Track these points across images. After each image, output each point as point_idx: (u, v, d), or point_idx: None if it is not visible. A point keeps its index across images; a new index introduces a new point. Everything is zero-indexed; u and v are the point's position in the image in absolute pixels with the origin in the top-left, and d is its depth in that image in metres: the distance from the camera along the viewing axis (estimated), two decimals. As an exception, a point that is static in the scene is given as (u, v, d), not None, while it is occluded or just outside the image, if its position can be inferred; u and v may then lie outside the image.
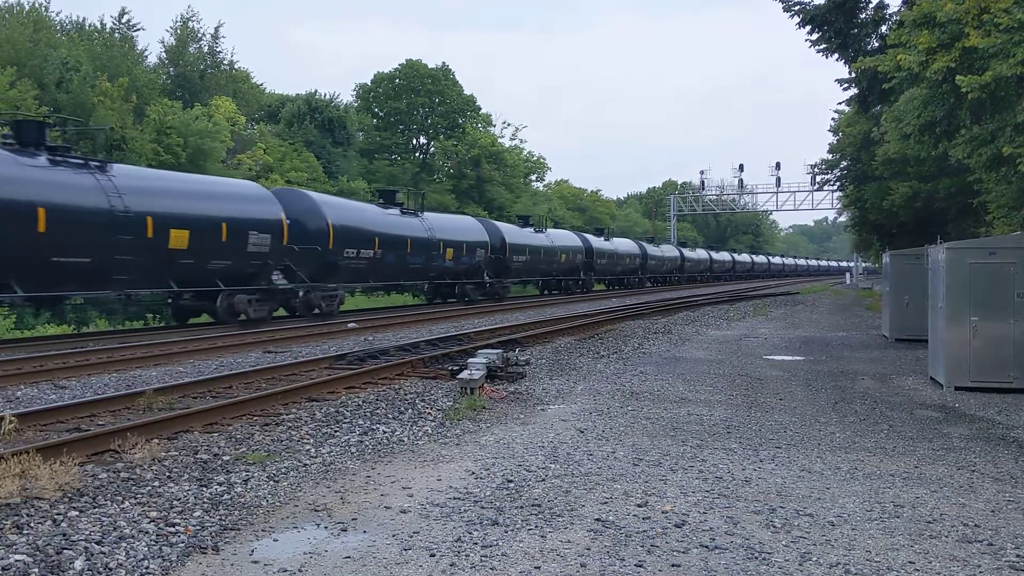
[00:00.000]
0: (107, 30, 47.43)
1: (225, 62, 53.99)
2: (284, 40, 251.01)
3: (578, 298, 41.16)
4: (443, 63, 68.36)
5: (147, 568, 4.81)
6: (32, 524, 5.45)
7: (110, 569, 4.78)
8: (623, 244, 55.69)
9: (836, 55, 18.18)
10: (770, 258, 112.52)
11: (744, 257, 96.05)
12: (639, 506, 6.15)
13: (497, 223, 39.43)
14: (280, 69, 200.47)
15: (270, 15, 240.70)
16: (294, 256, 23.22)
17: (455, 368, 12.49)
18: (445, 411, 9.84)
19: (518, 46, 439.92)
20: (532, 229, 41.49)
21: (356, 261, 25.77)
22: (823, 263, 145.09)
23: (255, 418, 9.31)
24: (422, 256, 29.78)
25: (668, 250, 66.51)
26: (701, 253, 76.61)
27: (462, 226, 34.38)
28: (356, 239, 25.69)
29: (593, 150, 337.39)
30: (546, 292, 44.53)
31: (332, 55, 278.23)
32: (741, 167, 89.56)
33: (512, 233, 38.34)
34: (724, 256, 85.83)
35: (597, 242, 49.10)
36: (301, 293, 23.41)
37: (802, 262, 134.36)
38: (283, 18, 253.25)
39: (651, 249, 60.21)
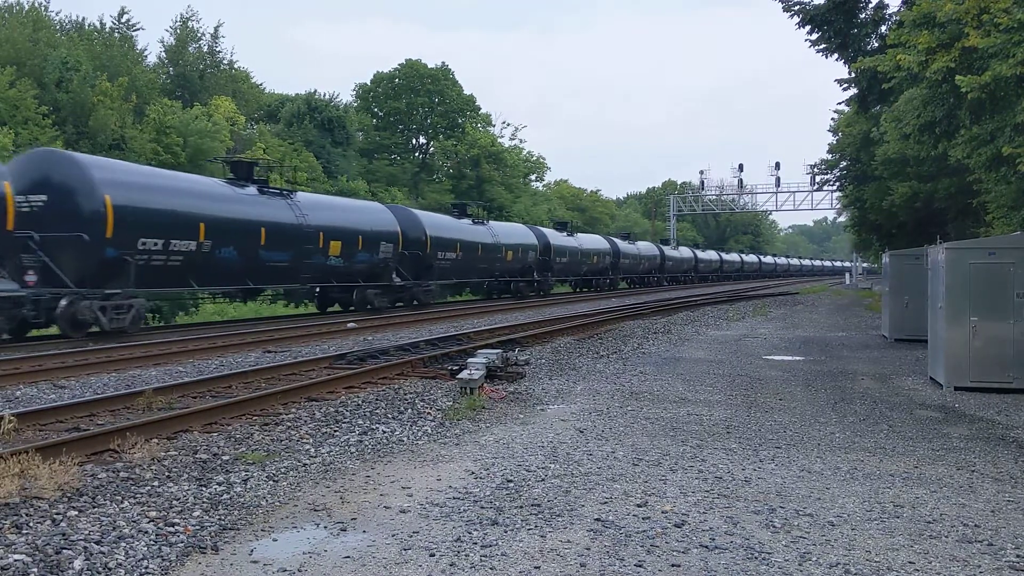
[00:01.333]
0: (107, 30, 47.43)
1: (225, 62, 54.01)
2: (284, 40, 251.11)
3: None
4: (443, 63, 68.44)
5: (146, 568, 4.81)
6: (31, 524, 5.44)
7: (109, 569, 4.77)
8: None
9: (836, 55, 18.19)
10: (761, 258, 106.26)
11: (733, 256, 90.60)
12: (639, 506, 6.14)
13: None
14: (280, 69, 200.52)
15: (270, 15, 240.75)
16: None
17: (455, 368, 12.48)
18: (445, 411, 9.84)
19: (519, 46, 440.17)
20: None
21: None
22: (822, 263, 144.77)
23: (254, 418, 9.30)
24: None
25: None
26: (685, 251, 73.40)
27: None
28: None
29: (593, 150, 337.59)
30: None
31: (332, 55, 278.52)
32: (741, 167, 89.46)
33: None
34: (711, 255, 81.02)
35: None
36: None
37: (797, 262, 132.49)
38: (283, 18, 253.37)
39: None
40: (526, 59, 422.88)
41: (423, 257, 29.89)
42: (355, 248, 25.56)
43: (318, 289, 25.85)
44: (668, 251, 64.67)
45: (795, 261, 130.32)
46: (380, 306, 27.28)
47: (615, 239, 54.48)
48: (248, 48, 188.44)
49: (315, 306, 27.97)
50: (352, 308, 26.73)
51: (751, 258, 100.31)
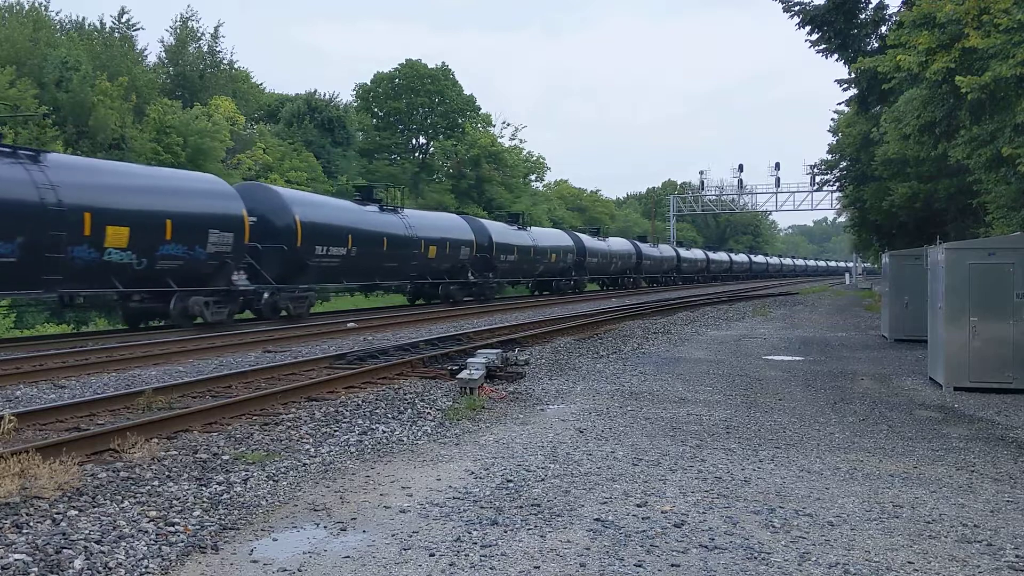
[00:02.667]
0: (107, 29, 47.41)
1: (225, 62, 53.97)
2: (286, 40, 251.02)
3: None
4: (443, 63, 68.43)
5: (146, 567, 4.81)
6: (32, 523, 5.45)
7: (109, 568, 4.78)
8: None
9: (836, 55, 18.17)
10: (751, 257, 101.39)
11: (721, 256, 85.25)
12: (638, 506, 6.15)
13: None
14: (282, 69, 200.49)
15: (272, 16, 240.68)
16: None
17: (454, 368, 12.48)
18: (444, 411, 9.84)
19: (521, 47, 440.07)
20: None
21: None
22: (823, 264, 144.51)
23: (254, 418, 9.31)
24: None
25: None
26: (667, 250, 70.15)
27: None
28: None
29: (593, 150, 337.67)
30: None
31: (335, 56, 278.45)
32: (741, 167, 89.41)
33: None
34: (696, 254, 75.38)
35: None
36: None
37: (791, 261, 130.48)
38: (285, 19, 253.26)
39: (646, 249, 63.66)
40: (527, 60, 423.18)
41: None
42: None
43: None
44: (646, 249, 59.22)
45: (788, 261, 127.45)
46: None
47: (580, 234, 49.78)
48: (250, 49, 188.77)
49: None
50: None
51: (740, 257, 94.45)
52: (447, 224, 33.67)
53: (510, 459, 7.54)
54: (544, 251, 41.44)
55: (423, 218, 31.75)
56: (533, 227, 43.15)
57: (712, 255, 77.32)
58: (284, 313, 23.07)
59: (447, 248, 31.80)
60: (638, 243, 56.21)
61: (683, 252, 65.34)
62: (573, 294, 45.13)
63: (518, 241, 39.26)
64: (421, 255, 29.83)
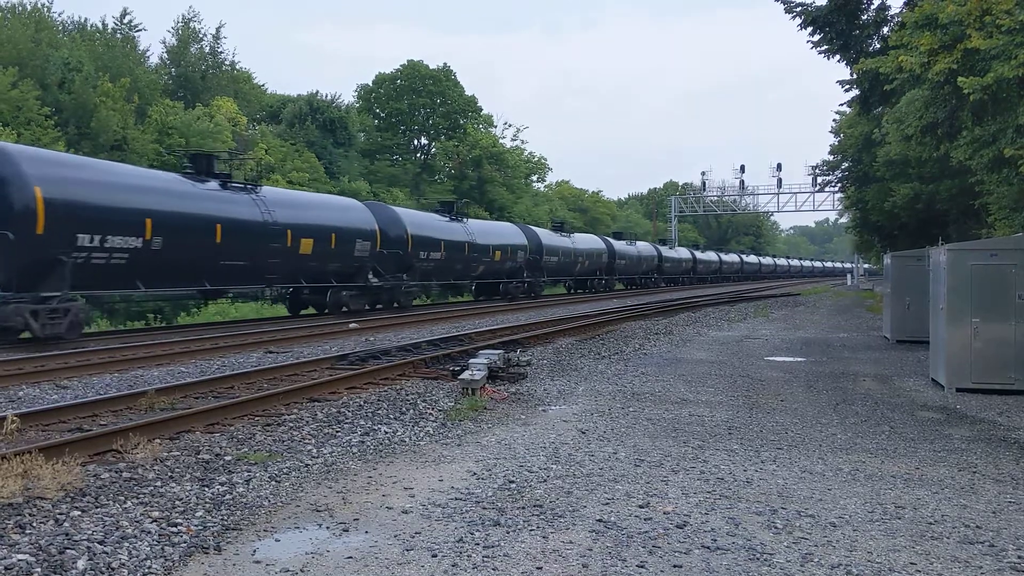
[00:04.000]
0: (109, 30, 47.44)
1: (226, 63, 54.03)
2: (288, 42, 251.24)
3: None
4: (444, 63, 68.49)
5: (149, 568, 4.82)
6: (35, 524, 5.46)
7: (112, 569, 4.78)
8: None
9: (837, 56, 18.16)
10: (743, 257, 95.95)
11: (709, 256, 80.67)
12: (641, 507, 6.15)
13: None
14: (283, 71, 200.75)
15: (274, 17, 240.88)
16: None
17: (456, 368, 12.49)
18: (447, 411, 9.85)
19: (522, 48, 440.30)
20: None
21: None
22: (823, 264, 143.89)
23: (257, 418, 9.32)
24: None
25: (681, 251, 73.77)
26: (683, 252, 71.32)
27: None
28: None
29: (594, 151, 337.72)
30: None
31: (336, 57, 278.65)
32: (742, 168, 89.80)
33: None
34: (681, 254, 71.25)
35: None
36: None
37: (795, 262, 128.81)
38: (286, 20, 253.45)
39: (621, 247, 61.33)
40: (528, 60, 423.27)
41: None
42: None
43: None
44: (621, 247, 54.00)
45: (782, 261, 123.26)
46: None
47: (536, 228, 43.91)
48: (252, 50, 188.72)
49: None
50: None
51: (731, 257, 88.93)
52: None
53: (512, 460, 7.54)
54: (485, 249, 35.26)
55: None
56: (472, 219, 37.29)
57: (700, 255, 74.65)
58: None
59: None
60: (611, 240, 53.19)
61: (665, 251, 62.87)
62: (526, 299, 39.06)
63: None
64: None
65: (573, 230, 48.66)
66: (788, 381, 13.40)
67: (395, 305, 28.94)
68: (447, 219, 33.65)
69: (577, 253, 45.38)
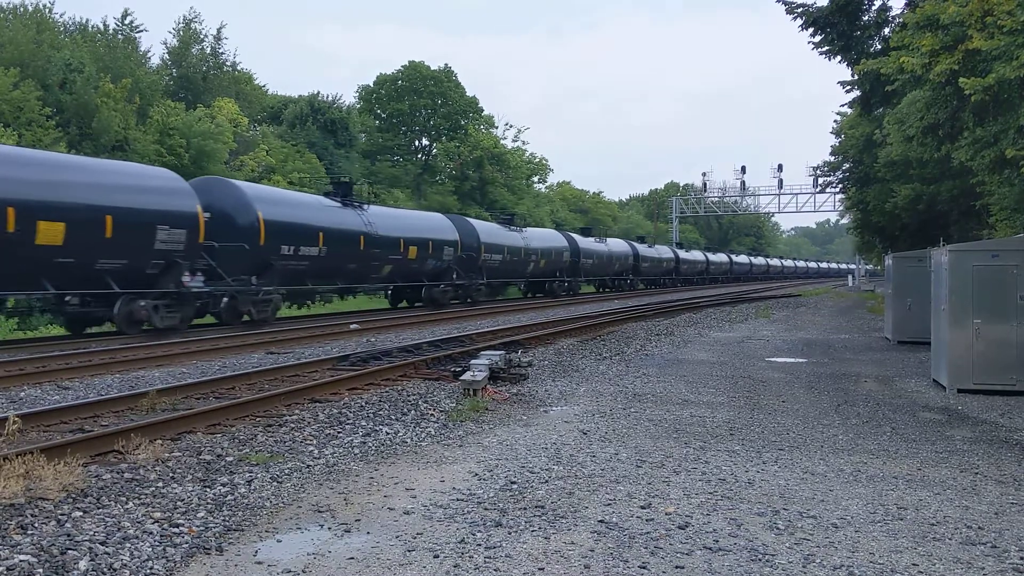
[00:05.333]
0: (110, 31, 47.44)
1: (227, 64, 54.03)
2: (289, 43, 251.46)
3: (563, 301, 48.78)
4: (445, 64, 68.53)
5: (151, 569, 4.82)
6: (36, 524, 5.46)
7: (114, 570, 4.78)
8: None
9: (839, 57, 18.15)
10: (732, 257, 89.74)
11: (696, 255, 75.13)
12: (642, 508, 6.15)
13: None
14: (285, 72, 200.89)
15: (275, 18, 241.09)
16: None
17: (458, 369, 12.49)
18: (448, 412, 9.85)
19: (524, 49, 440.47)
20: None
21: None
22: (818, 265, 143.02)
23: (258, 419, 9.32)
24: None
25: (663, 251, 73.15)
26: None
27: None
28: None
29: (596, 152, 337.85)
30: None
31: (338, 58, 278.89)
32: (743, 169, 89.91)
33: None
34: (662, 252, 65.19)
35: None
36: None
37: (790, 263, 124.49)
38: (287, 21, 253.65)
39: (588, 244, 60.84)
40: (530, 62, 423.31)
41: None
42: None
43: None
44: (588, 244, 48.33)
45: (775, 261, 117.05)
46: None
47: (475, 222, 37.03)
48: (253, 51, 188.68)
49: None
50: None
51: (719, 257, 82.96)
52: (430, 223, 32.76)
53: (514, 461, 7.54)
54: (392, 243, 27.71)
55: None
56: (373, 206, 29.01)
57: (683, 254, 69.99)
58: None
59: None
60: (574, 236, 47.49)
61: (642, 250, 58.75)
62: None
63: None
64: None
65: (525, 225, 43.74)
66: (790, 382, 13.40)
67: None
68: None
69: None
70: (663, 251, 64.26)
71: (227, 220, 21.05)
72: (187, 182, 21.00)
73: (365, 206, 27.41)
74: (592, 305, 36.13)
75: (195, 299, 19.77)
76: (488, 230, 36.32)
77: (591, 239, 50.57)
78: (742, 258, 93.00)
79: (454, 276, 31.90)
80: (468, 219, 36.46)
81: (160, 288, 18.79)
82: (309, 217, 23.93)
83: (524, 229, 41.29)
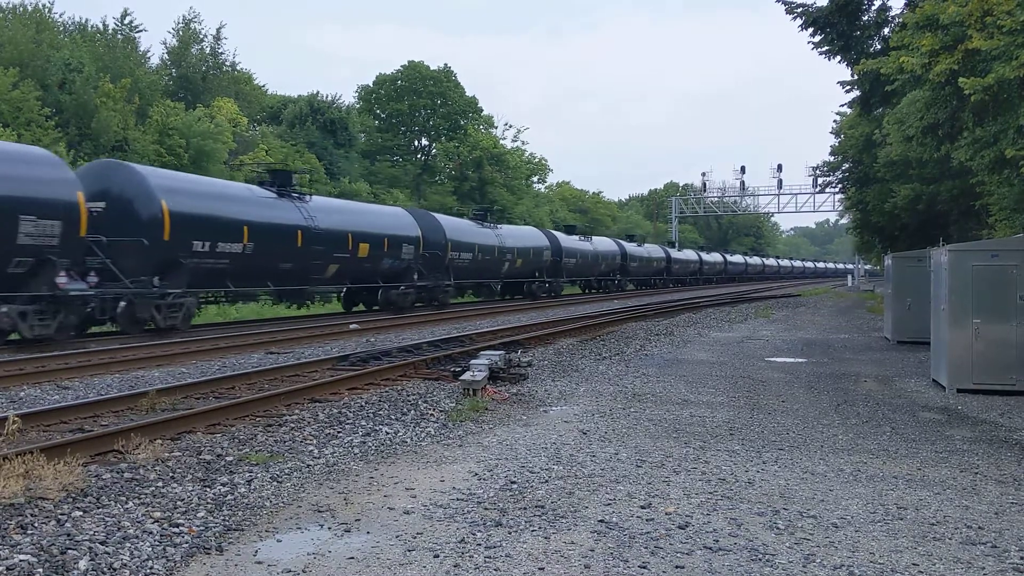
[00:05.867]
0: (109, 31, 47.46)
1: (227, 63, 54.05)
2: (288, 42, 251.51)
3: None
4: (445, 64, 68.55)
5: (151, 568, 4.82)
6: (36, 524, 5.45)
7: (114, 569, 4.78)
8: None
9: (838, 57, 18.16)
10: (727, 257, 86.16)
11: (689, 254, 72.34)
12: (642, 507, 6.15)
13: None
14: (284, 71, 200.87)
15: (274, 18, 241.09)
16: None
17: (457, 369, 12.49)
18: (448, 412, 9.85)
19: (524, 49, 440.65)
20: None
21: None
22: (821, 265, 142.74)
23: (258, 419, 9.32)
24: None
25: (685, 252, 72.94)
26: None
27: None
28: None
29: (595, 152, 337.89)
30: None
31: (337, 58, 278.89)
32: (743, 169, 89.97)
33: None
34: (652, 251, 62.64)
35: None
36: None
37: (785, 263, 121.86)
38: (287, 20, 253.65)
39: (571, 242, 61.72)
40: (530, 62, 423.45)
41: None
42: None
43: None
44: (571, 243, 45.88)
45: (772, 261, 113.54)
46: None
47: (439, 216, 33.58)
48: (252, 51, 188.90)
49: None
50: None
51: (713, 257, 79.91)
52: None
53: (513, 460, 7.54)
54: (338, 240, 24.62)
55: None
56: (315, 196, 26.10)
57: (675, 253, 67.14)
58: (151, 325, 18.92)
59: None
60: (556, 235, 45.27)
61: (630, 248, 55.89)
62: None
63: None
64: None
65: (497, 222, 40.24)
66: (789, 382, 13.40)
67: (434, 304, 29.59)
68: (478, 224, 35.00)
69: (507, 251, 36.77)
70: (653, 250, 62.29)
71: (126, 211, 18.24)
72: (83, 167, 19.40)
73: (307, 197, 24.37)
74: (580, 307, 36.09)
75: (79, 303, 16.65)
76: (456, 226, 33.38)
77: (575, 237, 47.90)
78: (737, 258, 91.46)
79: (415, 277, 28.86)
80: (433, 214, 33.20)
81: (29, 291, 15.72)
82: (231, 209, 20.76)
83: (499, 226, 38.57)
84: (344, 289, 27.67)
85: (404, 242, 28.10)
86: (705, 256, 75.14)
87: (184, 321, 19.50)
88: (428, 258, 29.72)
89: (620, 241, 56.33)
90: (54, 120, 34.39)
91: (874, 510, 6.21)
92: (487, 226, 36.45)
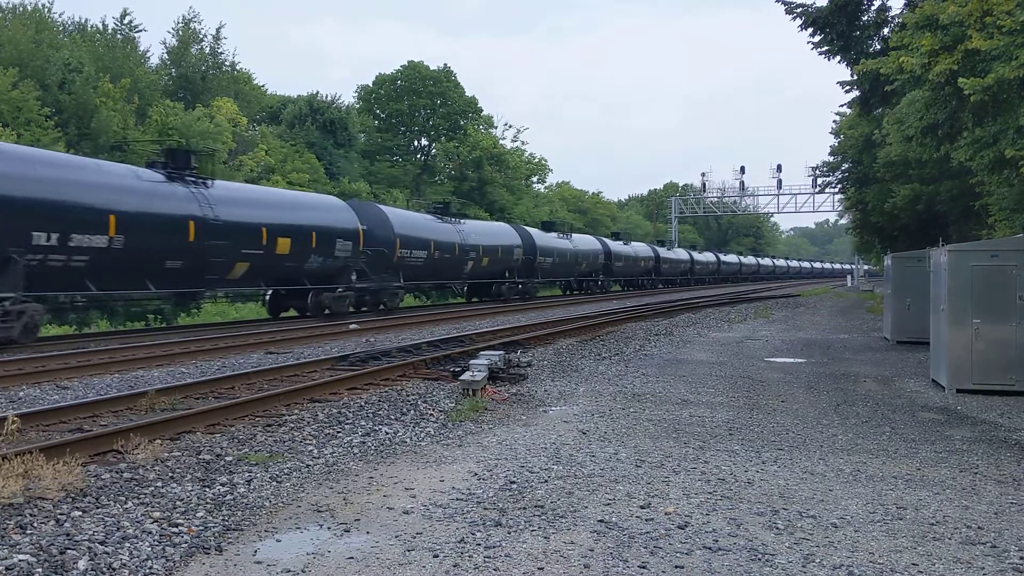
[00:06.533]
0: (109, 31, 47.43)
1: (226, 63, 54.01)
2: (288, 42, 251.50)
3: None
4: (445, 64, 68.54)
5: (151, 568, 4.81)
6: (35, 524, 5.45)
7: (114, 569, 4.78)
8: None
9: (838, 57, 18.14)
10: (694, 255, 75.90)
11: (680, 254, 69.56)
12: (642, 507, 6.15)
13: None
14: (284, 71, 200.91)
15: (274, 18, 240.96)
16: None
17: (457, 369, 12.49)
18: (447, 412, 9.84)
19: (524, 49, 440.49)
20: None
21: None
22: (818, 265, 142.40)
23: (257, 419, 9.31)
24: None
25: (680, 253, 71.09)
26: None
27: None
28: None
29: (595, 152, 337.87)
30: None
31: (337, 58, 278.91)
32: (742, 169, 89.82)
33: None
34: (642, 249, 60.05)
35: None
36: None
37: (779, 263, 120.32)
38: (287, 21, 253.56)
39: (664, 252, 64.30)
40: (530, 62, 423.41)
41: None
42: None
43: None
44: (548, 241, 42.73)
45: (767, 261, 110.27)
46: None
47: (386, 208, 30.13)
48: (252, 51, 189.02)
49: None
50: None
51: (705, 256, 75.34)
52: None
53: (513, 460, 7.54)
54: (248, 233, 21.19)
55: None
56: (222, 182, 22.41)
57: (664, 252, 62.91)
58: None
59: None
60: (531, 231, 42.05)
61: (615, 247, 52.85)
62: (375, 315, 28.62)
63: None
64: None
65: (461, 216, 36.40)
66: (789, 382, 13.39)
67: (381, 308, 25.66)
68: (436, 219, 31.54)
69: (469, 248, 32.79)
70: (641, 249, 58.83)
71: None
72: None
73: (208, 182, 20.84)
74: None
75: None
76: (407, 220, 29.81)
77: (553, 234, 44.41)
78: (750, 259, 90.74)
79: (353, 277, 25.17)
80: (380, 206, 29.55)
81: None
82: (91, 195, 17.34)
83: (463, 221, 34.60)
84: (269, 292, 24.36)
85: (339, 237, 24.26)
86: (664, 252, 65.44)
87: (25, 333, 15.89)
88: (372, 256, 26.16)
89: (604, 239, 52.88)
90: (54, 120, 34.37)
91: (874, 510, 6.21)
92: (448, 220, 32.74)
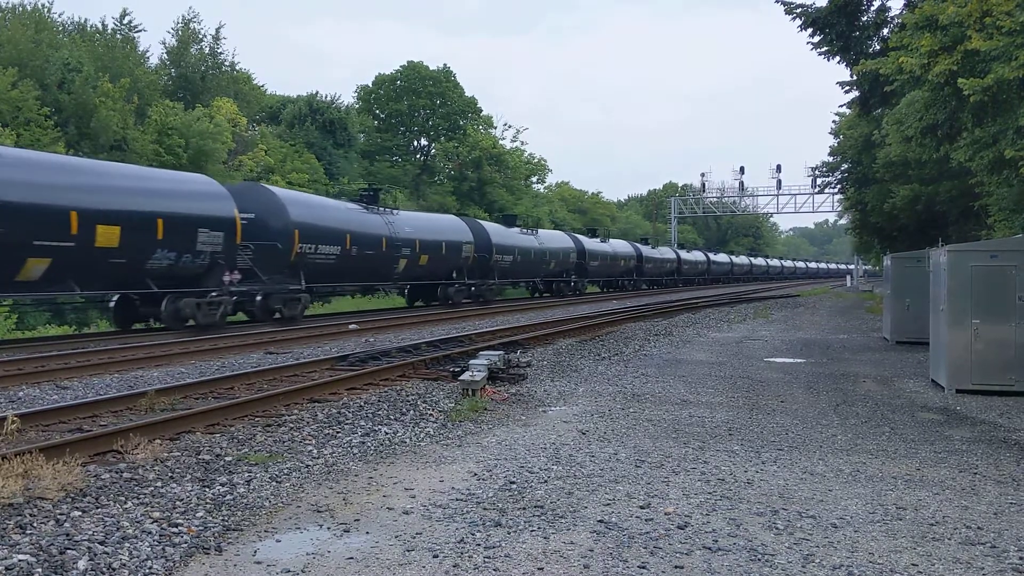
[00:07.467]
0: (109, 31, 47.41)
1: (226, 63, 53.98)
2: (288, 42, 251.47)
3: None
4: (444, 65, 68.56)
5: (150, 568, 4.81)
6: (35, 524, 5.45)
7: (113, 569, 4.78)
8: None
9: (838, 58, 18.14)
10: (708, 256, 76.50)
11: (666, 252, 65.57)
12: (642, 508, 6.15)
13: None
14: (284, 71, 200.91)
15: (274, 18, 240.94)
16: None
17: (457, 369, 12.49)
18: (447, 412, 9.84)
19: (524, 50, 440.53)
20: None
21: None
22: (815, 265, 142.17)
23: (257, 419, 9.31)
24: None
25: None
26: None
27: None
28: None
29: (594, 152, 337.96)
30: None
31: (336, 58, 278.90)
32: (742, 169, 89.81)
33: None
34: (620, 249, 54.81)
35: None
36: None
37: (789, 263, 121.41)
38: (286, 20, 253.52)
39: (648, 250, 63.27)
40: (530, 63, 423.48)
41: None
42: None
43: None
44: (507, 237, 37.72)
45: (760, 261, 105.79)
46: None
47: (279, 192, 24.61)
48: (252, 51, 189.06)
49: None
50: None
51: (694, 256, 71.97)
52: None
53: (513, 460, 7.54)
54: (51, 220, 15.99)
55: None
56: (18, 149, 18.53)
57: (648, 251, 59.47)
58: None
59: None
60: (487, 226, 37.13)
61: (590, 245, 48.81)
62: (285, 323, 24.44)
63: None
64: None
65: (393, 207, 30.80)
66: (788, 382, 13.40)
67: (277, 316, 21.79)
68: (361, 209, 27.03)
69: (402, 243, 27.90)
70: (620, 247, 54.50)
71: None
72: None
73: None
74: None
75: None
76: (310, 208, 24.20)
77: (515, 230, 39.17)
78: (742, 259, 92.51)
79: (227, 278, 20.39)
80: (270, 188, 24.23)
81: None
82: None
83: (396, 212, 29.38)
84: (116, 297, 19.92)
85: (203, 228, 19.38)
86: (647, 251, 60.51)
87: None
88: (261, 253, 21.96)
89: (577, 236, 49.21)
90: (53, 120, 34.35)
91: (873, 510, 6.21)
92: (375, 211, 27.95)
